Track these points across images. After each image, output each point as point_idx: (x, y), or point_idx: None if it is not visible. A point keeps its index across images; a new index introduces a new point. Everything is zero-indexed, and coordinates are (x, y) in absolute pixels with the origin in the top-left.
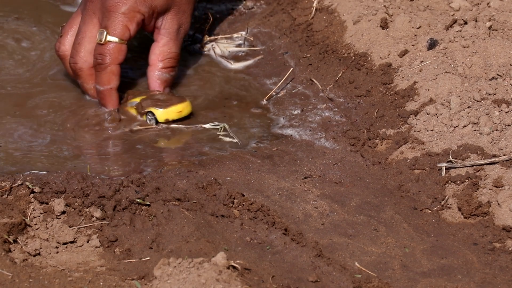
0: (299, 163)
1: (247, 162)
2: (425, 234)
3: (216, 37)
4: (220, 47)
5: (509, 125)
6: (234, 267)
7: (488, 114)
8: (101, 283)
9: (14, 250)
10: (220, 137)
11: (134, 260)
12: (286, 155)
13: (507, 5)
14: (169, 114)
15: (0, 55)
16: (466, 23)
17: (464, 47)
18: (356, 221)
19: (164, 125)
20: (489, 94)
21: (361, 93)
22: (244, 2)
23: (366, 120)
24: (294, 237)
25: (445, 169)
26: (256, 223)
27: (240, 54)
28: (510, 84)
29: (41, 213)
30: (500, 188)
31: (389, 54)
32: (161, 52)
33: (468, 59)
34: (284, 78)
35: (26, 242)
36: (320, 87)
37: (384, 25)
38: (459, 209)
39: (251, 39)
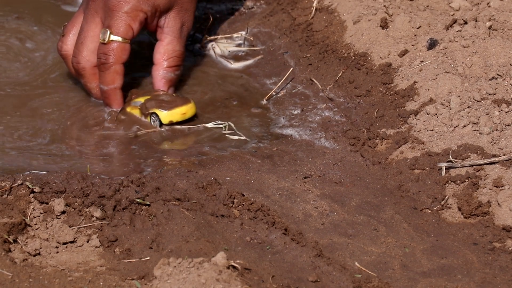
0: (299, 163)
1: (247, 162)
2: (425, 234)
3: (216, 37)
4: (220, 47)
5: (509, 125)
6: (234, 267)
7: (488, 114)
8: (101, 283)
9: (14, 250)
10: (226, 135)
11: (134, 260)
12: (286, 155)
13: (507, 5)
14: (173, 116)
15: (1, 55)
16: (466, 23)
17: (464, 47)
18: (356, 221)
19: (167, 127)
20: (489, 94)
21: (361, 93)
22: (244, 2)
23: (366, 120)
24: (294, 237)
25: (445, 169)
26: (256, 223)
27: (240, 54)
28: (510, 84)
29: (41, 213)
30: (500, 188)
31: (389, 54)
32: (166, 51)
33: (468, 59)
34: (284, 78)
35: (26, 242)
36: (320, 87)
37: (384, 25)
38: (459, 209)
39: (251, 39)
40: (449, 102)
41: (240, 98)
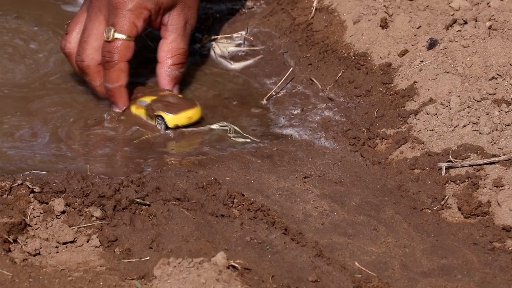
0: (299, 163)
1: (247, 162)
2: (425, 234)
3: (216, 37)
4: (220, 47)
5: (509, 125)
6: (234, 267)
7: (488, 114)
8: (101, 283)
9: (14, 250)
10: (232, 139)
11: (134, 260)
12: (286, 155)
13: (507, 5)
14: (179, 120)
15: (7, 56)
16: (466, 22)
17: (464, 46)
18: (356, 221)
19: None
20: (489, 94)
21: (361, 93)
22: (244, 2)
23: (366, 120)
24: (294, 236)
25: (445, 168)
26: (256, 223)
27: (240, 54)
28: (510, 84)
29: (41, 213)
30: (500, 188)
31: (389, 54)
32: (170, 49)
33: (468, 59)
34: (284, 78)
35: (26, 242)
36: (320, 87)
37: (384, 24)
38: (459, 209)
39: (251, 39)
40: (449, 102)
41: (240, 98)
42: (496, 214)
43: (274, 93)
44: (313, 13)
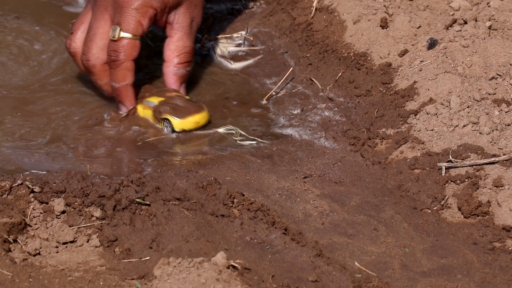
0: (299, 162)
1: (247, 162)
2: (425, 234)
3: (216, 37)
4: (220, 47)
5: (509, 125)
6: (234, 266)
7: (488, 114)
8: (101, 283)
9: (14, 249)
10: (238, 142)
11: (134, 260)
12: (286, 155)
13: (507, 5)
14: (186, 125)
15: (13, 57)
16: (466, 22)
17: (464, 46)
18: (356, 221)
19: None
20: (489, 94)
21: (361, 92)
22: (244, 2)
23: (366, 120)
24: (294, 236)
25: (445, 168)
26: (256, 222)
27: (240, 54)
28: (510, 84)
29: (41, 213)
30: (500, 187)
31: (389, 54)
32: (176, 48)
33: (468, 58)
34: (284, 77)
35: (26, 242)
36: (320, 86)
37: (384, 24)
38: (459, 209)
39: (251, 38)
40: (449, 102)
41: (240, 98)
42: (496, 214)
43: (274, 93)
44: (313, 13)
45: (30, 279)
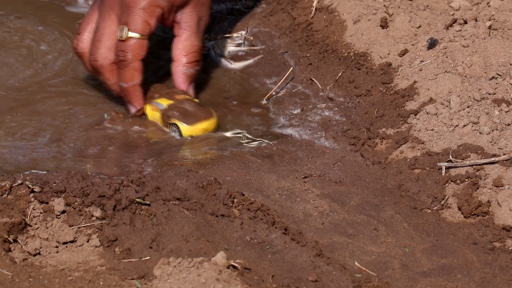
0: (299, 162)
1: (247, 162)
2: (425, 234)
3: (216, 37)
4: (220, 46)
5: (509, 125)
6: (234, 266)
7: (488, 114)
8: (101, 283)
9: (14, 249)
10: (244, 145)
11: (134, 260)
12: (286, 155)
13: (507, 5)
14: (194, 131)
15: (21, 58)
16: (466, 22)
17: (464, 46)
18: (356, 221)
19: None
20: (489, 94)
21: (361, 92)
22: (244, 2)
23: (366, 120)
24: (294, 236)
25: (445, 168)
26: (256, 222)
27: (240, 54)
28: (510, 83)
29: (41, 213)
30: (500, 187)
31: (389, 54)
32: (184, 47)
33: (468, 58)
34: (284, 77)
35: (26, 242)
36: (320, 86)
37: (384, 24)
38: (459, 209)
39: (251, 38)
40: (449, 102)
41: (240, 98)
42: (496, 214)
43: (274, 93)
44: (313, 13)
45: (30, 279)
